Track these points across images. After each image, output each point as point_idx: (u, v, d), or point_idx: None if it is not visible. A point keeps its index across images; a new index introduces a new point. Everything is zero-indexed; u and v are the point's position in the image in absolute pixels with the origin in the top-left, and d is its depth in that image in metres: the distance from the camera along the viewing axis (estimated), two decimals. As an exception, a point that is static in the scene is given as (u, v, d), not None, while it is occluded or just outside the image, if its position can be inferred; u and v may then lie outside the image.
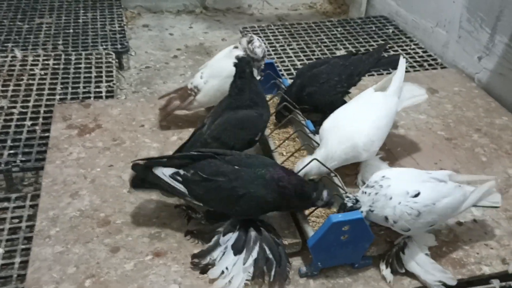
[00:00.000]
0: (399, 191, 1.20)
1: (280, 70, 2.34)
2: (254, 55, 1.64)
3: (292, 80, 1.80)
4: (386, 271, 1.26)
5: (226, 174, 1.25)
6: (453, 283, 1.24)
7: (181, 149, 1.47)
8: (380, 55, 1.77)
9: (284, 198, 1.25)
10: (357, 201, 1.21)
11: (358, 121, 1.44)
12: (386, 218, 1.20)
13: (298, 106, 1.67)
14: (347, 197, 1.23)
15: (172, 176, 1.27)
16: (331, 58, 1.83)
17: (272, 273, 1.23)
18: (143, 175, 1.30)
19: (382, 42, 2.59)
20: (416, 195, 1.20)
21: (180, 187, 1.27)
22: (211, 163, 1.28)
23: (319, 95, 1.69)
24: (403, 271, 1.27)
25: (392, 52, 2.43)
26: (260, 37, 2.62)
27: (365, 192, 1.22)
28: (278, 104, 1.74)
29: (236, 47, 1.70)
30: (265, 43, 2.56)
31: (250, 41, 1.66)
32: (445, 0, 2.35)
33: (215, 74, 1.71)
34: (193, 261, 1.27)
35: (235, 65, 1.44)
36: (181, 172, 1.27)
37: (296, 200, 1.25)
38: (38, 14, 2.71)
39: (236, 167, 1.26)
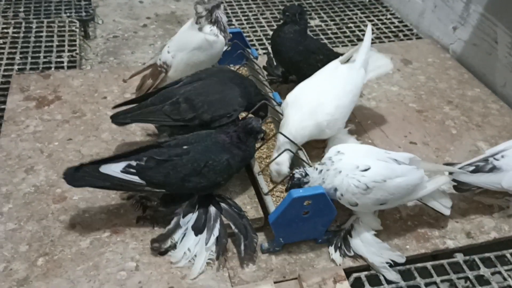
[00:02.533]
0: (349, 165, 1.17)
1: (252, 40, 2.27)
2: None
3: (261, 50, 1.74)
4: (335, 255, 1.24)
5: (180, 154, 1.21)
6: (402, 260, 1.23)
7: (142, 100, 1.42)
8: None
9: (239, 151, 1.24)
10: (306, 174, 1.18)
11: (321, 97, 1.39)
12: (335, 190, 1.17)
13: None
14: (297, 169, 1.19)
15: (124, 170, 1.19)
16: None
17: (242, 247, 1.20)
18: (89, 176, 1.19)
19: (358, 11, 2.52)
20: (366, 170, 1.16)
21: (136, 179, 1.19)
22: (160, 150, 1.22)
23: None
24: (352, 254, 1.24)
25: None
26: (232, 5, 2.54)
27: (316, 168, 1.19)
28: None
29: (195, 9, 1.61)
30: (237, 13, 2.48)
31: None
32: (422, -32, 2.29)
33: (182, 48, 1.63)
34: (153, 246, 1.22)
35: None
36: (133, 163, 1.19)
37: (247, 146, 1.25)
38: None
39: (185, 147, 1.22)
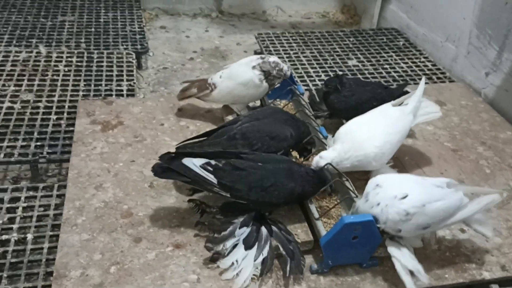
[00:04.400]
0: (387, 196, 1.28)
1: (294, 77, 2.42)
2: (283, 73, 1.80)
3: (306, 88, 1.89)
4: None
5: (254, 167, 1.36)
6: (425, 280, 1.28)
7: (206, 136, 1.58)
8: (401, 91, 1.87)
9: (304, 187, 1.37)
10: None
11: (373, 132, 1.52)
12: (376, 220, 1.27)
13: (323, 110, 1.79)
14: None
15: (203, 166, 1.34)
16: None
17: (288, 268, 1.31)
18: (169, 164, 1.35)
19: (393, 53, 2.68)
20: (404, 197, 1.27)
21: (210, 176, 1.34)
22: (238, 160, 1.37)
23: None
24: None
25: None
26: (274, 43, 2.72)
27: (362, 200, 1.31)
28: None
29: (262, 58, 1.79)
30: (279, 51, 2.65)
31: (277, 64, 1.77)
32: (455, 16, 2.44)
33: (231, 77, 1.81)
34: (206, 245, 1.33)
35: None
36: (213, 162, 1.35)
37: (313, 186, 1.39)
38: (61, 12, 2.80)
39: (260, 163, 1.36)
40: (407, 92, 1.84)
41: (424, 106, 1.69)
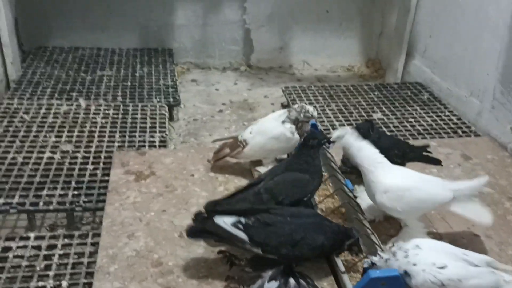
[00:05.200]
0: (426, 261, 1.29)
1: (320, 129, 2.49)
2: (310, 115, 1.87)
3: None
4: None
5: (284, 222, 1.41)
6: None
7: (231, 198, 1.62)
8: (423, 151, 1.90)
9: (333, 240, 1.41)
10: (373, 264, 1.32)
11: (414, 185, 1.56)
12: (408, 276, 1.28)
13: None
14: (367, 258, 1.34)
15: (234, 224, 1.40)
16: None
17: (313, 320, 1.33)
18: (202, 224, 1.41)
19: (418, 107, 2.73)
20: (442, 268, 1.28)
21: (241, 234, 1.39)
22: (267, 215, 1.42)
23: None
24: None
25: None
26: (300, 96, 2.81)
27: (394, 255, 1.32)
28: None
29: (289, 111, 1.87)
30: (305, 103, 2.74)
31: (302, 107, 1.85)
32: (479, 72, 2.49)
33: (262, 133, 1.88)
34: None
35: (309, 137, 1.64)
36: (243, 220, 1.40)
37: (340, 242, 1.43)
38: (100, 67, 2.98)
39: (289, 218, 1.40)
40: (427, 149, 1.88)
41: (475, 207, 1.60)
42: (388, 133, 2.45)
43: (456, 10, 2.65)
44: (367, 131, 1.84)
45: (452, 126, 2.54)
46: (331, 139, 1.67)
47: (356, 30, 3.55)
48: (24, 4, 3.03)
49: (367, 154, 1.59)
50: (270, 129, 1.88)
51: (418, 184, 1.58)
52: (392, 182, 1.54)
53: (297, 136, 1.87)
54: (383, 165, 1.58)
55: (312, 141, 1.63)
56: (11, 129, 2.22)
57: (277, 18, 3.41)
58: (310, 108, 1.89)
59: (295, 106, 1.90)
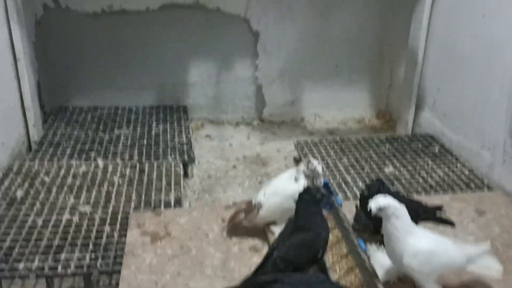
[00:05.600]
0: None
1: (332, 185, 2.52)
2: (316, 172, 1.88)
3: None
4: None
5: None
6: None
7: (257, 272, 1.63)
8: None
9: None
10: None
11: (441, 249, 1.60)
12: None
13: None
14: None
15: None
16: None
17: None
18: None
19: (429, 160, 2.75)
20: None
21: None
22: (279, 285, 1.43)
23: None
24: None
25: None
26: (312, 151, 2.86)
27: None
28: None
29: (298, 168, 1.91)
30: (317, 158, 2.78)
31: (308, 163, 1.89)
32: (489, 125, 2.52)
33: (276, 193, 1.92)
34: None
35: (303, 192, 1.65)
36: None
37: None
38: (117, 126, 3.09)
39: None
40: (440, 209, 1.89)
41: (486, 260, 1.66)
42: (401, 187, 2.48)
43: (463, 66, 2.72)
44: (377, 190, 1.87)
45: (465, 179, 2.55)
46: (372, 213, 1.60)
47: (365, 83, 3.64)
48: (47, 68, 3.19)
49: (403, 221, 1.60)
50: (284, 189, 1.91)
51: (442, 247, 1.61)
52: (421, 246, 1.58)
53: None
54: (410, 227, 1.60)
55: (307, 196, 1.65)
56: (32, 191, 2.30)
57: (287, 74, 3.52)
58: (315, 163, 1.90)
59: (303, 162, 1.93)
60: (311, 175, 1.88)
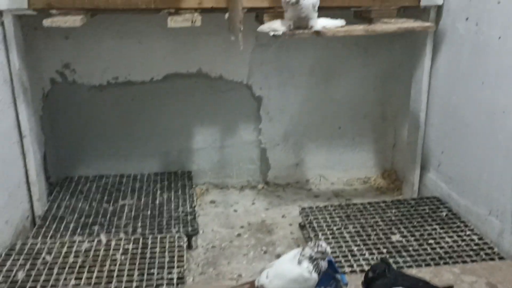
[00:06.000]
0: None
1: (337, 256, 2.47)
2: (323, 251, 1.85)
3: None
4: None
5: None
6: None
7: None
8: None
9: None
10: None
11: None
12: None
13: None
14: None
15: None
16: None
17: None
18: None
19: (437, 226, 2.70)
20: None
21: None
22: None
23: None
24: None
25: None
26: (317, 218, 2.82)
27: None
28: None
29: (303, 250, 1.88)
30: (322, 227, 2.74)
31: (315, 244, 1.87)
32: (495, 192, 2.48)
33: (279, 276, 1.88)
34: None
35: None
36: None
37: None
38: (122, 196, 3.09)
39: None
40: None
41: None
42: (409, 258, 2.42)
43: (465, 131, 2.71)
44: (383, 272, 1.83)
45: (474, 247, 2.48)
46: None
47: (369, 144, 3.64)
48: (53, 139, 3.24)
49: None
50: (287, 272, 1.88)
51: None
52: None
53: (315, 275, 1.85)
54: None
55: None
56: (33, 272, 2.27)
57: (291, 137, 3.54)
58: (324, 244, 1.89)
59: (309, 244, 1.91)
60: (320, 257, 1.85)
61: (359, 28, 2.40)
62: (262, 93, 3.42)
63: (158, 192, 3.17)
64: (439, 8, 2.83)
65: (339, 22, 2.42)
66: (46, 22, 2.27)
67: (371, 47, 3.38)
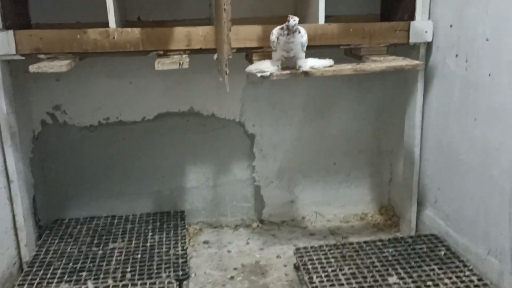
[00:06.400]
0: None
1: (333, 301, 2.38)
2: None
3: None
4: None
5: None
6: None
7: None
8: None
9: None
10: None
11: None
12: None
13: None
14: None
15: None
16: None
17: None
18: None
19: (435, 266, 2.61)
20: None
21: None
22: None
23: None
24: None
25: None
26: (312, 259, 2.74)
27: None
28: None
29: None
30: (317, 268, 2.66)
31: None
32: (494, 231, 2.41)
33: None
34: None
35: None
36: None
37: None
38: (112, 238, 3.02)
39: None
40: None
41: None
42: (406, 302, 2.33)
43: (460, 168, 2.66)
44: None
45: (474, 289, 2.40)
46: None
47: (365, 179, 3.58)
48: (44, 182, 3.20)
49: None
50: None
51: None
52: None
53: None
54: None
55: None
56: (15, 325, 2.20)
57: (285, 174, 3.49)
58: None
59: None
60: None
61: (347, 68, 2.38)
62: (255, 130, 3.39)
63: (150, 233, 3.10)
64: (428, 45, 2.82)
65: (328, 62, 2.40)
66: (32, 68, 2.26)
67: (364, 82, 3.37)
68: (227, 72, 2.12)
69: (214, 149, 3.38)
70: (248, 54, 2.79)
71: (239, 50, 2.68)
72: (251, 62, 2.68)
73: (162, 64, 2.36)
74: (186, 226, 3.28)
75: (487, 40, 2.34)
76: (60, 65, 2.28)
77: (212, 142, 3.36)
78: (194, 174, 3.41)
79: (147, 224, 3.22)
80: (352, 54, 2.87)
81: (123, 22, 2.88)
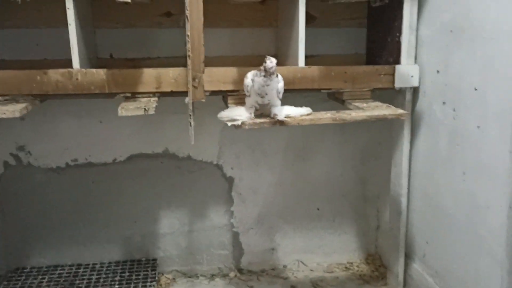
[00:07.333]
0: None
1: None
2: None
3: None
4: None
5: None
6: None
7: None
8: None
9: None
10: None
11: None
12: None
13: None
14: None
15: None
16: None
17: None
18: None
19: (422, 331, 2.40)
20: None
21: None
22: None
23: None
24: None
25: None
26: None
27: None
28: None
29: None
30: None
31: None
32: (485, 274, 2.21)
33: None
34: None
35: None
36: None
37: None
38: (74, 292, 2.80)
39: None
40: None
41: None
42: None
43: (448, 223, 2.47)
44: None
45: None
46: None
47: (351, 226, 3.38)
48: (4, 227, 2.99)
49: None
50: None
51: None
52: None
53: None
54: None
55: None
56: None
57: (266, 220, 3.29)
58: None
59: None
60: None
61: (326, 117, 2.21)
62: (233, 173, 3.20)
63: (117, 286, 2.87)
64: (415, 90, 2.67)
65: (305, 110, 2.23)
66: (-18, 113, 2.07)
67: (348, 125, 3.20)
68: (192, 123, 1.94)
69: (190, 192, 3.18)
70: (224, 96, 2.63)
71: (214, 93, 2.51)
72: (227, 105, 2.51)
73: (125, 110, 2.18)
74: (158, 276, 3.05)
75: (475, 89, 2.18)
76: (13, 111, 2.10)
77: (188, 185, 3.16)
78: (168, 219, 3.20)
79: (115, 274, 2.99)
80: (335, 97, 2.71)
81: (93, 59, 2.72)
